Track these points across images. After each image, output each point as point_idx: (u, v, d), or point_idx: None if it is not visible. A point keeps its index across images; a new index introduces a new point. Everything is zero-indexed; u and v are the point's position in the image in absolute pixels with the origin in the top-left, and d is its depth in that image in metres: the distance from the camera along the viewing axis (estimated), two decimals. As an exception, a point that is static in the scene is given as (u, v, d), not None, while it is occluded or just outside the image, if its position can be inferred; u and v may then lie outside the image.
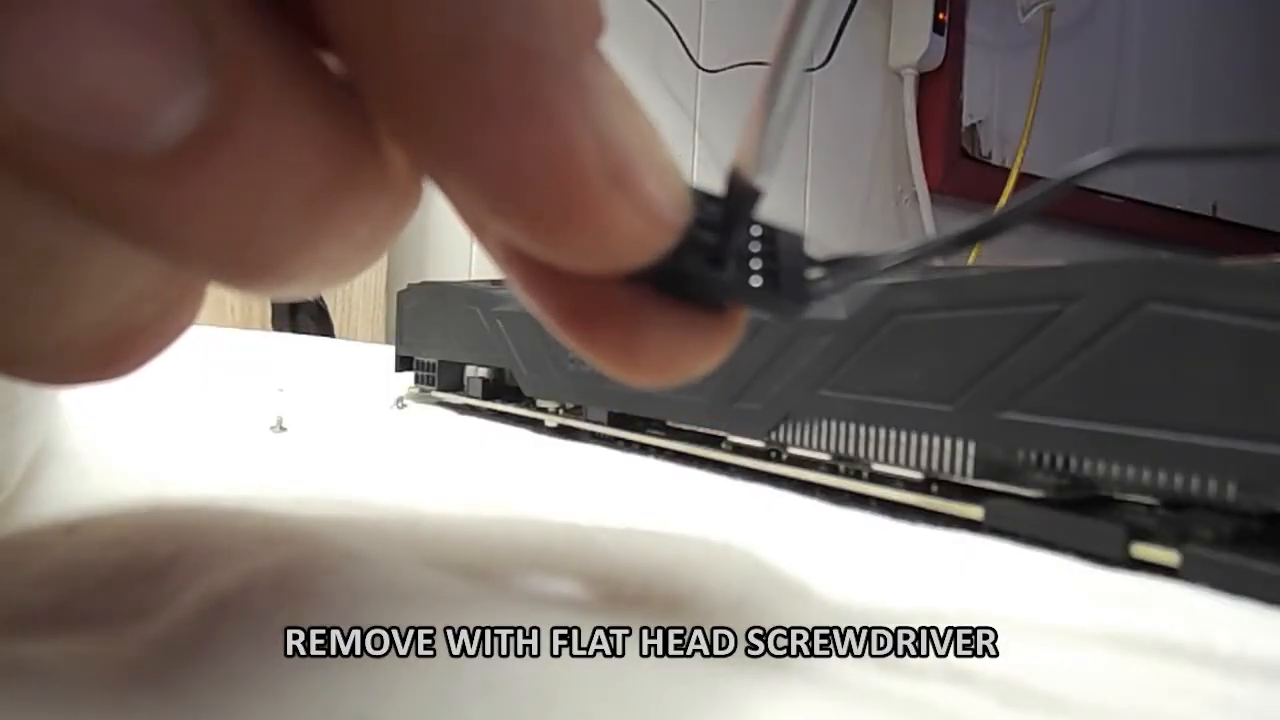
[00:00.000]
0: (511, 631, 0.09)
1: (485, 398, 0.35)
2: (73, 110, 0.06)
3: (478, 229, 0.10)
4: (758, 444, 0.24)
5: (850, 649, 0.11)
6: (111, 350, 0.09)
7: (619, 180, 0.08)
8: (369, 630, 0.09)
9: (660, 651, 0.10)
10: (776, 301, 0.09)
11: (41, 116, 0.06)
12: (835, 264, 0.10)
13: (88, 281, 0.08)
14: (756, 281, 0.09)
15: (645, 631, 0.10)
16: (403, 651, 0.09)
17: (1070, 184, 0.09)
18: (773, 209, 0.09)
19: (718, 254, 0.09)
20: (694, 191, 0.09)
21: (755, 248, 0.09)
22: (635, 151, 0.08)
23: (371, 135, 0.08)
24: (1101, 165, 0.09)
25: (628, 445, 0.28)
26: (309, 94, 0.07)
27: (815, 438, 0.22)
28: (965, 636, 0.12)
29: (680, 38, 1.07)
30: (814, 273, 0.10)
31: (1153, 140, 0.09)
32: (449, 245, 1.00)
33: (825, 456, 0.22)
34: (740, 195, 0.09)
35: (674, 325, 0.09)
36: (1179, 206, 1.50)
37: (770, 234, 0.09)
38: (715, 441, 0.26)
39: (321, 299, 0.95)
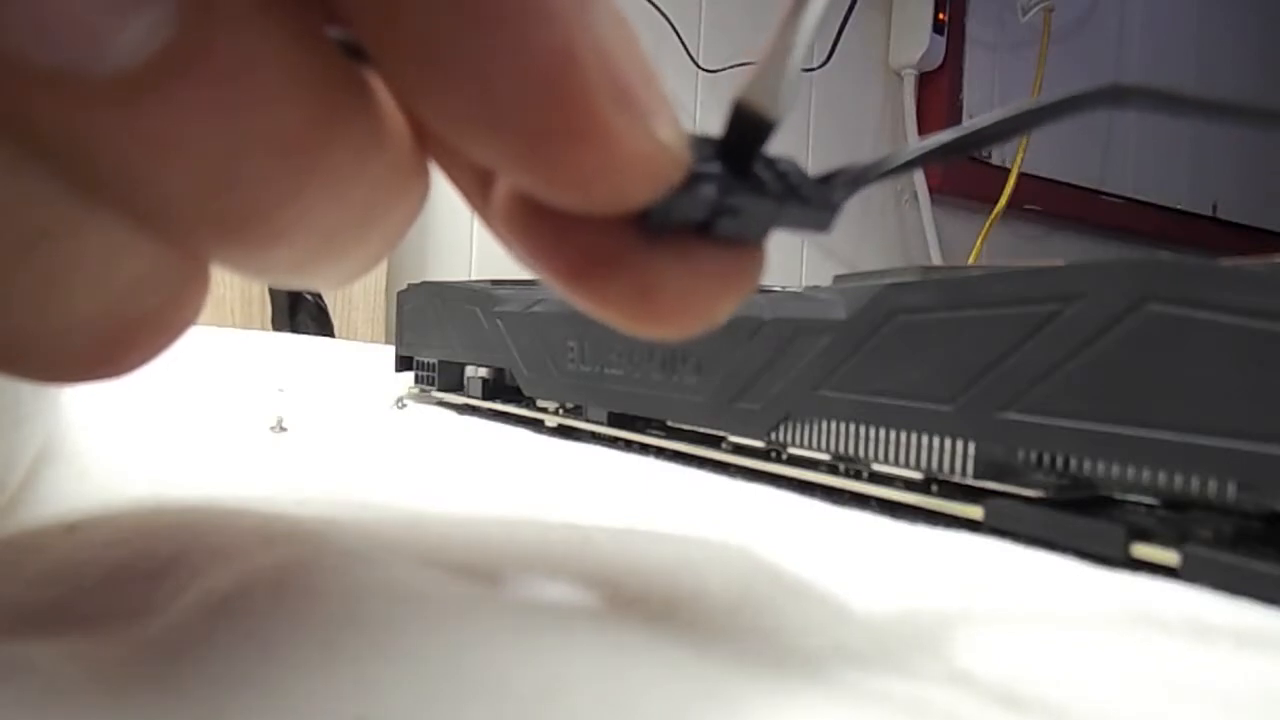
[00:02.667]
0: (511, 632, 0.09)
1: (485, 398, 0.35)
2: (26, 23, 0.06)
3: (479, 190, 0.10)
4: (758, 444, 0.24)
5: (850, 649, 0.11)
6: (111, 345, 0.09)
7: (623, 99, 0.07)
8: (369, 630, 0.09)
9: (660, 651, 0.10)
10: (810, 214, 0.09)
11: None
12: (837, 174, 0.10)
13: (80, 262, 0.08)
14: (795, 196, 0.09)
15: (645, 631, 0.10)
16: (403, 651, 0.09)
17: (1065, 107, 0.09)
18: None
19: (733, 183, 0.09)
20: (691, 135, 0.09)
21: (766, 174, 0.09)
22: (637, 76, 0.08)
23: (359, 86, 0.08)
24: (1094, 93, 0.09)
25: (628, 445, 0.28)
26: (288, 20, 0.07)
27: (815, 438, 0.22)
28: (965, 636, 0.12)
29: (680, 38, 1.07)
30: (822, 187, 0.10)
31: (1152, 82, 0.09)
32: (449, 245, 1.00)
33: (825, 456, 0.22)
34: (754, 125, 0.09)
35: (689, 268, 0.09)
36: (1179, 206, 1.50)
37: (771, 161, 0.09)
38: (715, 441, 0.26)
39: (321, 299, 0.95)
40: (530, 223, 0.09)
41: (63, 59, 0.06)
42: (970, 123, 0.10)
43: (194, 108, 0.06)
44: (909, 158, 0.10)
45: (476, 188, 0.10)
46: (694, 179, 0.09)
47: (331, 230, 0.08)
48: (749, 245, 0.10)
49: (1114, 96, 0.09)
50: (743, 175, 0.09)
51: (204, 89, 0.06)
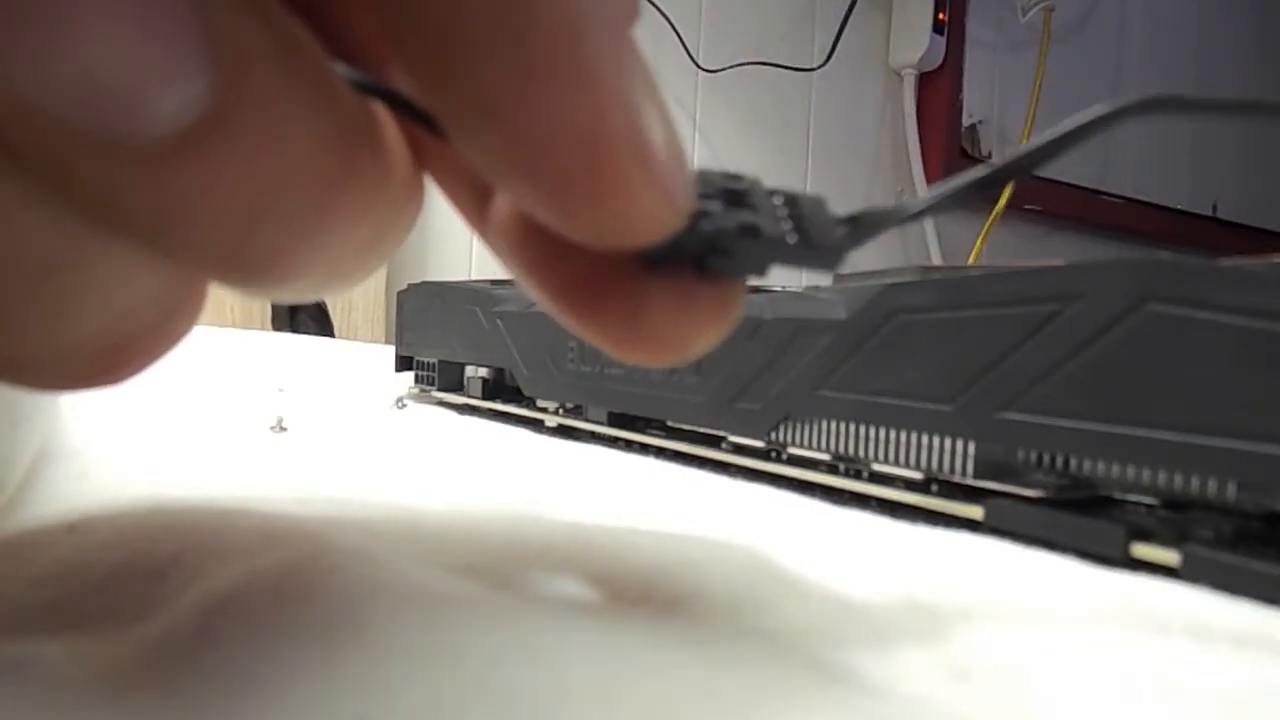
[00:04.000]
0: (512, 632, 0.09)
1: (485, 398, 0.35)
2: (70, 93, 0.06)
3: (475, 206, 0.10)
4: (758, 444, 0.24)
5: (851, 649, 0.11)
6: (111, 358, 0.09)
7: (642, 157, 0.08)
8: (369, 630, 0.09)
9: (661, 651, 0.10)
10: (813, 255, 0.10)
11: (37, 99, 0.06)
12: (858, 218, 0.10)
13: (88, 290, 0.08)
14: (792, 239, 0.10)
15: (646, 631, 0.10)
16: (403, 651, 0.09)
17: (1086, 131, 0.09)
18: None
19: (730, 224, 0.09)
20: (696, 172, 0.09)
21: (782, 212, 0.10)
22: (657, 132, 0.08)
23: (373, 130, 0.08)
24: (1119, 111, 0.09)
25: (628, 445, 0.28)
26: (312, 84, 0.07)
27: (815, 438, 0.22)
28: (965, 636, 0.12)
29: (680, 38, 1.07)
30: (840, 228, 0.10)
31: (1175, 90, 0.09)
32: (449, 245, 1.00)
33: (825, 456, 0.22)
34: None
35: (677, 300, 0.10)
36: (1179, 206, 1.50)
37: (792, 198, 0.10)
38: (715, 441, 0.26)
39: (321, 299, 0.95)
40: (530, 243, 0.09)
41: (107, 125, 0.06)
42: (1004, 156, 0.10)
43: (224, 167, 0.07)
44: (936, 199, 0.10)
45: (474, 204, 0.10)
46: (695, 217, 0.09)
47: (339, 261, 0.09)
48: (739, 280, 0.10)
49: (1142, 108, 0.09)
50: (742, 215, 0.09)
51: (235, 151, 0.07)
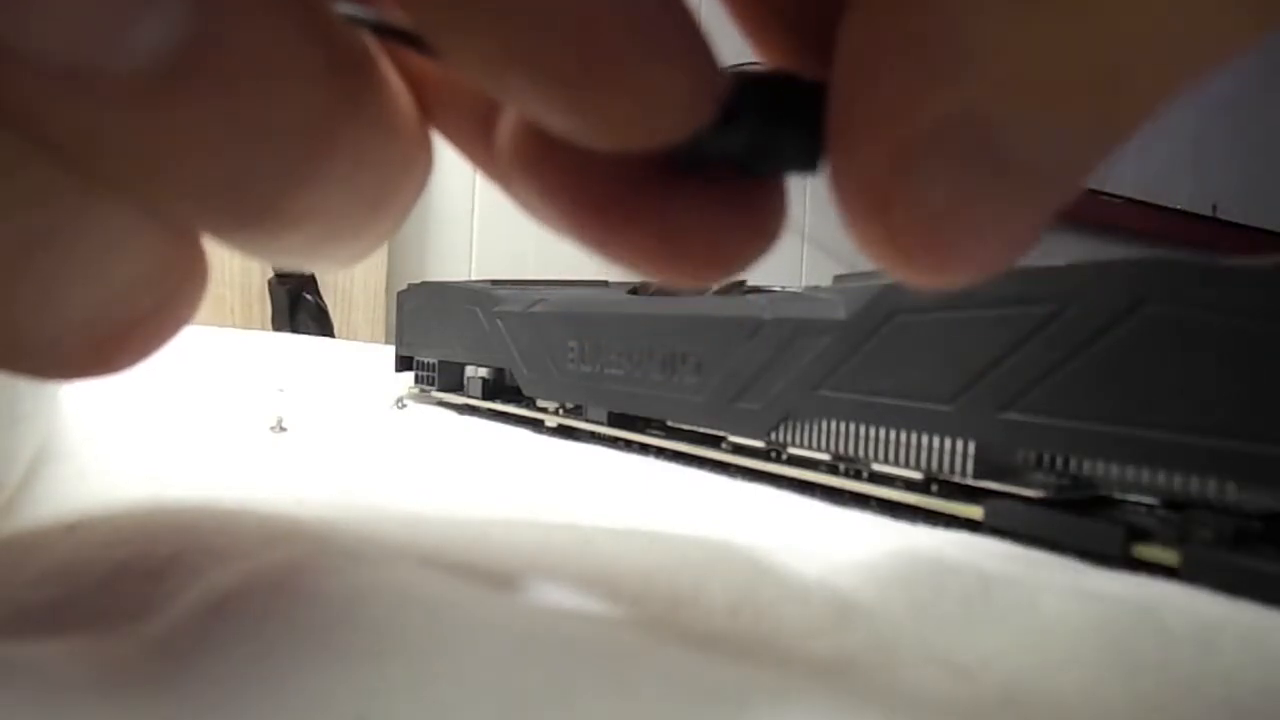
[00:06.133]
0: (511, 632, 0.09)
1: (485, 398, 0.35)
2: (32, 25, 0.06)
3: (481, 141, 0.09)
4: (758, 444, 0.24)
5: (851, 649, 0.11)
6: (107, 344, 0.09)
7: (650, 35, 0.07)
8: (369, 630, 0.09)
9: (661, 652, 0.10)
10: None
11: (9, 41, 0.06)
12: None
13: (83, 258, 0.08)
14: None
15: (646, 632, 0.10)
16: (403, 651, 0.09)
17: None
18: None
19: (769, 120, 0.08)
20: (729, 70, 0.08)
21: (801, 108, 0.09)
22: (668, 11, 0.07)
23: (372, 68, 0.08)
24: None
25: (628, 445, 0.28)
26: (301, 13, 0.07)
27: (815, 438, 0.22)
28: (965, 636, 0.12)
29: (680, 38, 1.07)
30: None
31: None
32: (449, 245, 1.00)
33: (825, 456, 0.22)
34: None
35: (714, 208, 0.09)
36: (1179, 206, 1.51)
37: (813, 87, 0.09)
38: (715, 441, 0.26)
39: (321, 299, 0.95)
40: (543, 161, 0.08)
41: (76, 58, 0.06)
42: None
43: (207, 104, 0.06)
44: None
45: (479, 139, 0.10)
46: (729, 111, 0.08)
47: (343, 214, 0.08)
48: (776, 191, 0.09)
49: None
50: (780, 110, 0.08)
51: (217, 85, 0.06)
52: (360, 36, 0.08)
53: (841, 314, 0.21)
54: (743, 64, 0.08)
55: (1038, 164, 0.08)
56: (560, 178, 0.08)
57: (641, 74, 0.07)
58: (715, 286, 0.28)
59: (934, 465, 0.19)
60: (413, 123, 0.09)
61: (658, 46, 0.07)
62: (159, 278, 0.09)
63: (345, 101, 0.07)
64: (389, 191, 0.09)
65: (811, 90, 0.08)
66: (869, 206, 0.08)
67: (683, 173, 0.08)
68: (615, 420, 0.29)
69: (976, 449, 0.19)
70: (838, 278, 0.23)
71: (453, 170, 0.19)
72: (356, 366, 0.50)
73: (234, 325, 0.81)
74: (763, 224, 0.09)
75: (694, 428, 0.26)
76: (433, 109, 0.09)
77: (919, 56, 0.07)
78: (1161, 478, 0.16)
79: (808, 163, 0.09)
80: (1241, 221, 1.56)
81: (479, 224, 1.10)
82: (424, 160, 0.09)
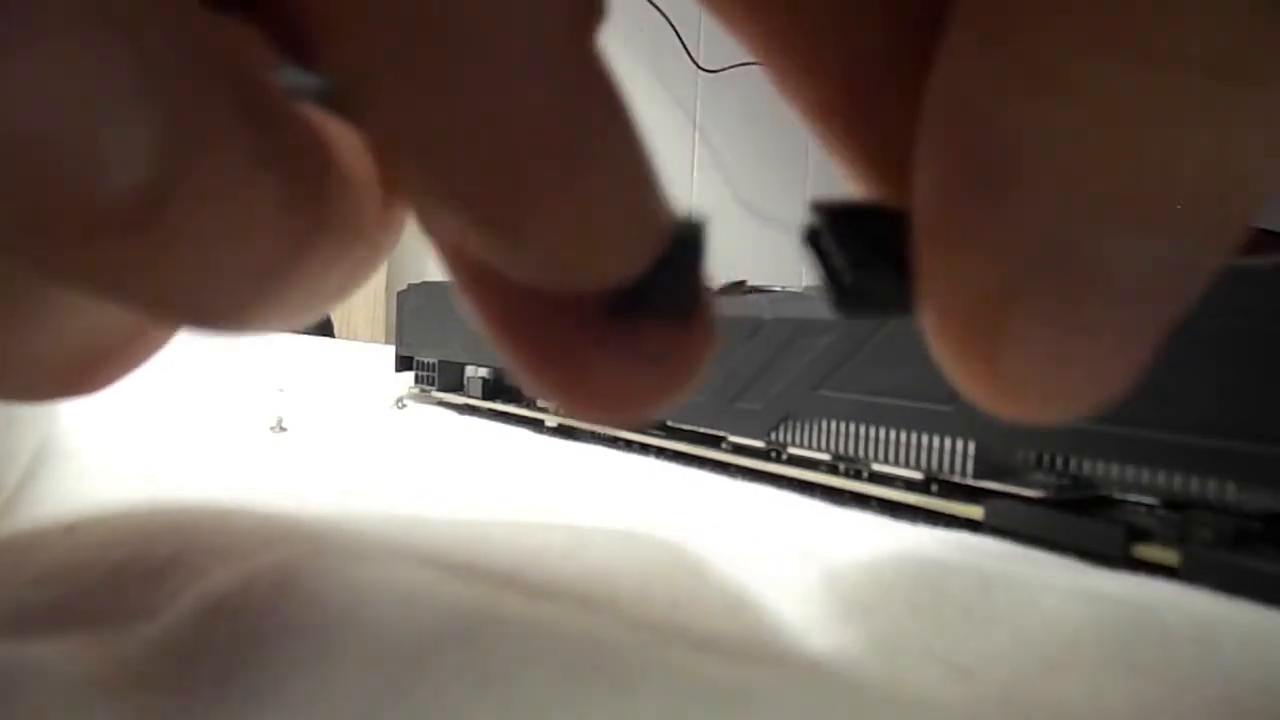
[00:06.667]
0: (512, 632, 0.09)
1: (485, 398, 0.35)
2: (13, 167, 0.06)
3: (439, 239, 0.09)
4: (758, 444, 0.24)
5: (851, 648, 0.11)
6: (81, 374, 0.09)
7: (585, 176, 0.07)
8: (369, 630, 0.09)
9: (660, 651, 0.10)
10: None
11: None
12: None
13: (49, 319, 0.08)
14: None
15: (646, 632, 0.10)
16: (403, 652, 0.09)
17: None
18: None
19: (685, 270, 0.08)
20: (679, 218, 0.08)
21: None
22: (612, 151, 0.07)
23: (330, 168, 0.07)
24: None
25: (628, 445, 0.28)
26: (269, 142, 0.07)
27: (815, 438, 0.22)
28: (965, 636, 0.12)
29: (680, 38, 1.07)
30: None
31: None
32: (449, 245, 1.00)
33: (825, 456, 0.22)
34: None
35: (630, 354, 0.08)
36: (1179, 206, 1.50)
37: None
38: (715, 441, 0.26)
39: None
40: (477, 275, 0.08)
41: (52, 201, 0.06)
42: None
43: (177, 237, 0.06)
44: None
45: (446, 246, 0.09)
46: (663, 259, 0.08)
47: (311, 299, 0.08)
48: (702, 336, 0.09)
49: None
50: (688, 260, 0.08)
51: (188, 221, 0.06)
52: (313, 131, 0.07)
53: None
54: (683, 215, 0.08)
55: (1145, 282, 0.07)
56: (486, 291, 0.08)
57: (575, 225, 0.07)
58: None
59: (934, 465, 0.19)
60: (377, 208, 0.08)
61: (595, 198, 0.07)
62: (129, 323, 0.09)
63: (315, 217, 0.07)
64: (358, 273, 0.09)
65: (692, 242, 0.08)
66: (969, 349, 0.08)
67: (616, 311, 0.08)
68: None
69: (976, 449, 0.19)
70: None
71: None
72: (356, 366, 0.50)
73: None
74: (685, 368, 0.09)
75: (694, 427, 0.26)
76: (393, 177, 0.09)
77: (1000, 185, 0.07)
78: (1161, 478, 0.16)
79: (683, 308, 0.08)
80: (1241, 221, 1.56)
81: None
82: (390, 236, 0.09)
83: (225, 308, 0.07)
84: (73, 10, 0.06)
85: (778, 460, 0.23)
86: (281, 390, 0.38)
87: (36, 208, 0.06)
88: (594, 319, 0.08)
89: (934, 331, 0.08)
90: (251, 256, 0.07)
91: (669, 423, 0.28)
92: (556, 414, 0.31)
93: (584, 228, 0.07)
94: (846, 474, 0.22)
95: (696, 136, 1.11)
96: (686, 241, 0.08)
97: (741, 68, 1.11)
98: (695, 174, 1.12)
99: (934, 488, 0.20)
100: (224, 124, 0.06)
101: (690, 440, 0.26)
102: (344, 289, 0.09)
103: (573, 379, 0.08)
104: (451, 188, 0.07)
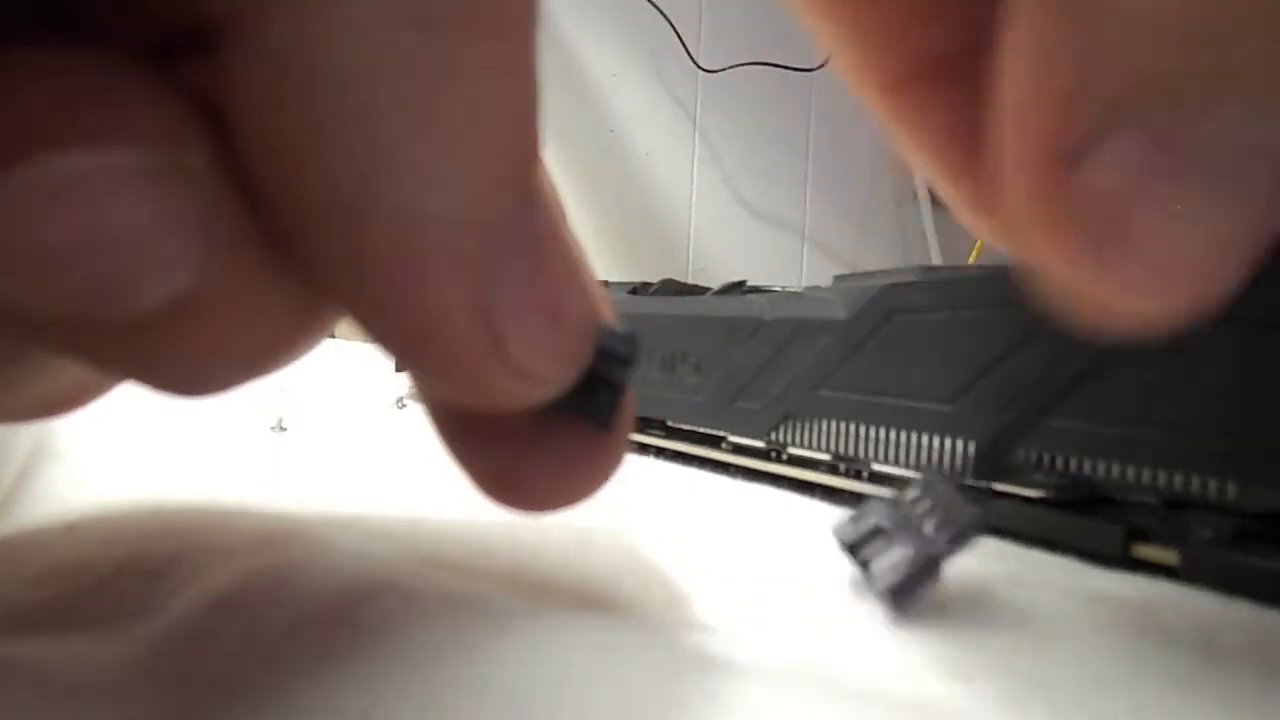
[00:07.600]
0: (512, 631, 0.09)
1: (485, 398, 0.35)
2: (72, 281, 0.06)
3: None
4: (758, 444, 0.24)
5: (851, 648, 0.11)
6: (58, 404, 0.09)
7: (497, 347, 0.08)
8: (369, 630, 0.09)
9: (661, 651, 0.10)
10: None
11: (42, 296, 0.06)
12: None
13: (23, 373, 0.08)
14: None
15: (645, 631, 0.10)
16: (404, 651, 0.09)
17: None
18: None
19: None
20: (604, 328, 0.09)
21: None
22: (526, 313, 0.08)
23: (316, 297, 0.08)
24: None
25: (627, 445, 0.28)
26: (273, 265, 0.07)
27: (815, 438, 0.22)
28: (965, 636, 0.12)
29: (680, 38, 1.07)
30: None
31: None
32: (449, 245, 1.00)
33: (825, 456, 0.22)
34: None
35: (550, 456, 0.09)
36: (1179, 207, 1.50)
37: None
38: (715, 441, 0.26)
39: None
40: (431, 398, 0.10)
41: (97, 307, 0.07)
42: None
43: (193, 337, 0.07)
44: None
45: None
46: (590, 373, 0.09)
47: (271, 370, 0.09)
48: (617, 439, 0.10)
49: None
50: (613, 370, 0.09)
51: (209, 323, 0.07)
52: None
53: (841, 314, 0.21)
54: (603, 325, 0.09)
55: (1238, 147, 0.07)
56: (435, 404, 0.10)
57: (487, 378, 0.08)
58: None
59: (934, 465, 0.19)
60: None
61: (509, 359, 0.08)
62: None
63: (315, 317, 0.08)
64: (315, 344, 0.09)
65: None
66: (1039, 187, 0.07)
67: (539, 422, 0.09)
68: (615, 420, 0.29)
69: (976, 449, 0.19)
70: (838, 278, 0.23)
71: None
72: (356, 366, 0.50)
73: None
74: (599, 469, 0.10)
75: (694, 427, 0.26)
76: None
77: (1096, 26, 0.07)
78: (1161, 478, 0.16)
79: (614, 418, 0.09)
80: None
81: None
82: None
83: (212, 382, 0.08)
84: (155, 158, 0.06)
85: (778, 460, 0.23)
86: (282, 390, 0.38)
87: (82, 311, 0.06)
88: (520, 428, 0.09)
89: (1003, 177, 0.08)
90: (258, 349, 0.08)
91: (669, 422, 0.28)
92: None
93: (489, 390, 0.08)
94: (846, 474, 0.22)
95: (696, 136, 1.11)
96: (615, 356, 0.09)
97: (741, 68, 1.11)
98: (695, 174, 1.13)
99: (934, 488, 0.20)
100: (255, 249, 0.07)
101: (690, 440, 0.26)
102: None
103: (501, 480, 0.10)
104: (378, 338, 0.08)
